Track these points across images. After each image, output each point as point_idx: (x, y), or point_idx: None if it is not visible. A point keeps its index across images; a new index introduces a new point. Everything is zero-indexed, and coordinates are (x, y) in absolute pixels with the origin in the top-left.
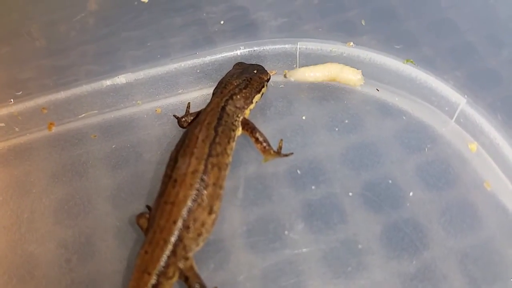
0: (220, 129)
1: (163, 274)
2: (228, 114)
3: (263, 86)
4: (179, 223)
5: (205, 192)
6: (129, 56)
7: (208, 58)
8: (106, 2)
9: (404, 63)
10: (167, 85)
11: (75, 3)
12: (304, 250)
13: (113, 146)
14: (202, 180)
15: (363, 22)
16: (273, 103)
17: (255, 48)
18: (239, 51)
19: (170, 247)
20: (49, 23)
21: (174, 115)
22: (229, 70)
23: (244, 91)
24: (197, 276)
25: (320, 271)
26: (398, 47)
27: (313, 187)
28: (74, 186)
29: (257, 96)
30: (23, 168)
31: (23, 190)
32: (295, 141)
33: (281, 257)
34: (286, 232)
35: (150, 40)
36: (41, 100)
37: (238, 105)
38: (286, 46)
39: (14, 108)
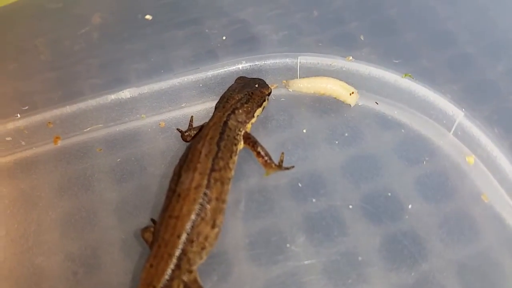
0: (222, 144)
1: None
2: (230, 129)
3: (264, 100)
4: (183, 237)
5: (208, 206)
6: (133, 70)
7: (210, 73)
8: (110, 17)
9: (402, 77)
10: (171, 99)
11: (80, 19)
12: (306, 262)
13: (118, 159)
14: (205, 194)
15: (362, 38)
16: (274, 117)
17: (257, 63)
18: (241, 65)
19: (174, 260)
20: (54, 38)
21: (177, 129)
22: (231, 85)
23: (245, 105)
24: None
25: (322, 283)
26: (396, 61)
27: (314, 200)
28: (80, 199)
29: (259, 110)
30: (29, 181)
31: (29, 203)
32: (296, 154)
33: (283, 269)
34: (288, 245)
35: (153, 55)
36: (47, 114)
37: (240, 120)
38: (287, 60)
39: (20, 122)
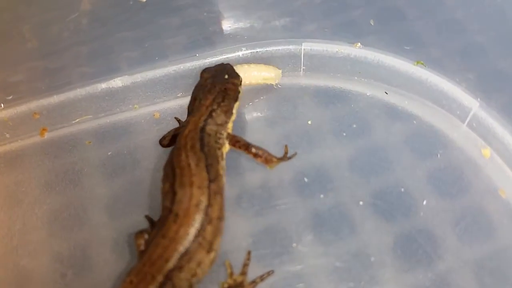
0: (206, 149)
1: None
2: (210, 134)
3: (239, 92)
4: (172, 262)
5: (208, 228)
6: (125, 58)
7: (208, 60)
8: (100, 2)
9: (414, 65)
10: (166, 88)
11: (68, 3)
12: (314, 263)
13: (109, 153)
14: (206, 214)
15: (371, 22)
16: (277, 107)
17: (258, 50)
18: (241, 52)
19: (156, 284)
20: (41, 24)
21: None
22: (197, 82)
23: (222, 104)
24: None
25: (331, 286)
26: (407, 48)
27: (321, 196)
28: (68, 196)
29: (236, 104)
30: (14, 176)
31: (14, 200)
32: (301, 146)
33: (289, 270)
34: (294, 244)
35: (147, 41)
36: (33, 104)
37: (219, 122)
38: (290, 47)
39: (4, 113)
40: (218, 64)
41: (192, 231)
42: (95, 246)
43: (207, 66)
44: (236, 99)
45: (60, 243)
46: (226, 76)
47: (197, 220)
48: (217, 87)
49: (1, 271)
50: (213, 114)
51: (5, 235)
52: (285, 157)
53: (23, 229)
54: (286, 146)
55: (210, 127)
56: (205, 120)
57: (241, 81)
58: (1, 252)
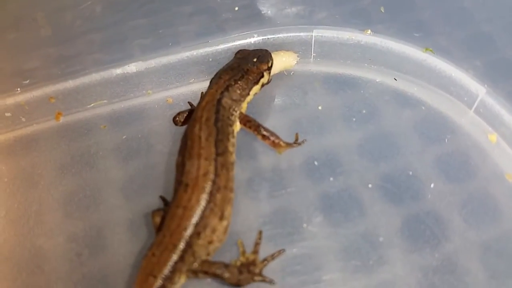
0: (219, 124)
1: (168, 279)
2: (225, 108)
3: (262, 76)
4: (190, 228)
5: (217, 195)
6: (139, 44)
7: (220, 47)
8: None
9: (423, 52)
10: (178, 74)
11: None
12: (323, 243)
13: (124, 136)
14: (214, 182)
15: (382, 9)
16: (287, 93)
17: (269, 36)
18: (253, 39)
19: (178, 252)
20: (55, 11)
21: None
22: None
23: (239, 82)
24: (214, 264)
25: (340, 265)
26: (417, 35)
27: (331, 179)
28: (83, 178)
29: (256, 88)
30: (30, 159)
31: (30, 182)
32: (312, 131)
33: (299, 250)
34: (304, 225)
35: (160, 28)
36: (49, 89)
37: (234, 97)
38: (301, 34)
39: (21, 97)
40: (257, 49)
41: (203, 197)
42: (110, 226)
43: (243, 48)
44: (256, 83)
45: (75, 224)
46: (255, 60)
47: (206, 188)
48: (241, 67)
49: (18, 251)
50: (229, 88)
51: (22, 216)
52: (294, 143)
53: (39, 210)
54: (296, 134)
55: (226, 100)
56: (222, 93)
57: (268, 68)
58: (18, 232)
